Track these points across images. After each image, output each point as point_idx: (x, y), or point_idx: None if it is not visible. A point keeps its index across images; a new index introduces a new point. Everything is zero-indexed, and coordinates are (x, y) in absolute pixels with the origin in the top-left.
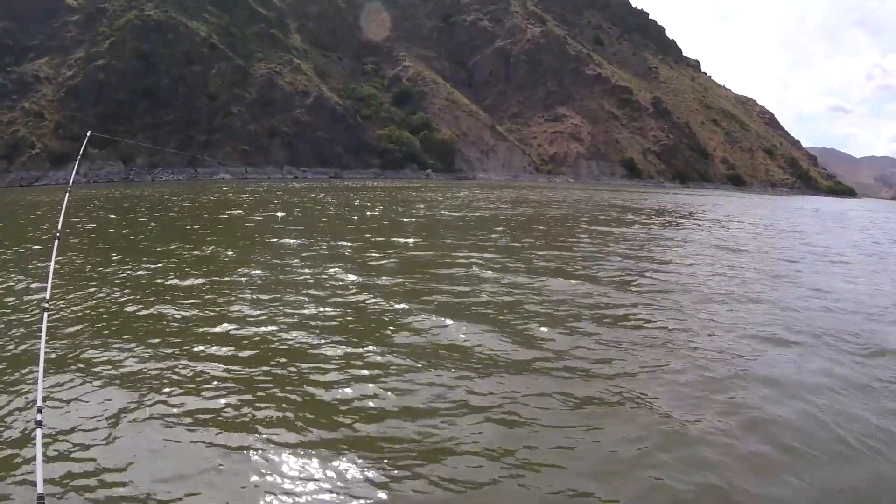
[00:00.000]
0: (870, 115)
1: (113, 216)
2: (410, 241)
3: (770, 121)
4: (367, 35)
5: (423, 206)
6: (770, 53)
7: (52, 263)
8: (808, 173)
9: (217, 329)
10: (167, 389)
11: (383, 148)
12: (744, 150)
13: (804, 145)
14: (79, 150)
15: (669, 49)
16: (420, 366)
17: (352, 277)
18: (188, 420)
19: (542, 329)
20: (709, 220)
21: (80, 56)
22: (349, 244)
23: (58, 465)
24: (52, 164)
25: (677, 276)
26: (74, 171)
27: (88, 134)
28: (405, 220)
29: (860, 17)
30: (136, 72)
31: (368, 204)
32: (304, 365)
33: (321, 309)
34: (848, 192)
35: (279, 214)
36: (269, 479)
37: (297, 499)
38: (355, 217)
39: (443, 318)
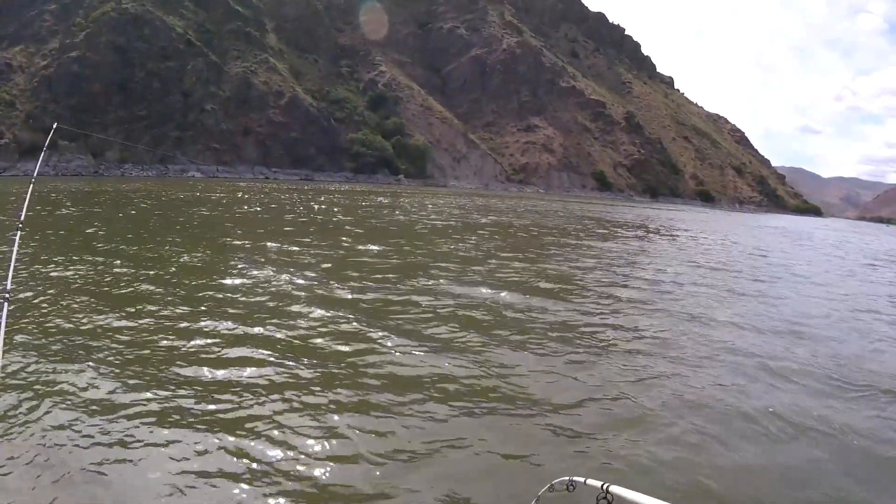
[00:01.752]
0: (838, 135)
1: (76, 210)
2: (375, 247)
3: (741, 139)
4: (345, 39)
5: (397, 213)
6: (742, 71)
7: (14, 254)
8: (776, 191)
9: (161, 339)
10: (113, 398)
11: (356, 151)
12: (714, 166)
13: (774, 164)
14: (50, 141)
15: (644, 65)
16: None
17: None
18: (144, 433)
19: (501, 350)
20: (680, 236)
21: (54, 47)
22: (309, 250)
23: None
24: (22, 155)
25: (645, 292)
26: (39, 164)
27: (55, 126)
28: (375, 223)
29: (831, 37)
30: (110, 65)
31: (336, 210)
32: (251, 388)
33: (271, 326)
34: (814, 211)
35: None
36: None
37: None
38: (320, 219)
39: (403, 338)
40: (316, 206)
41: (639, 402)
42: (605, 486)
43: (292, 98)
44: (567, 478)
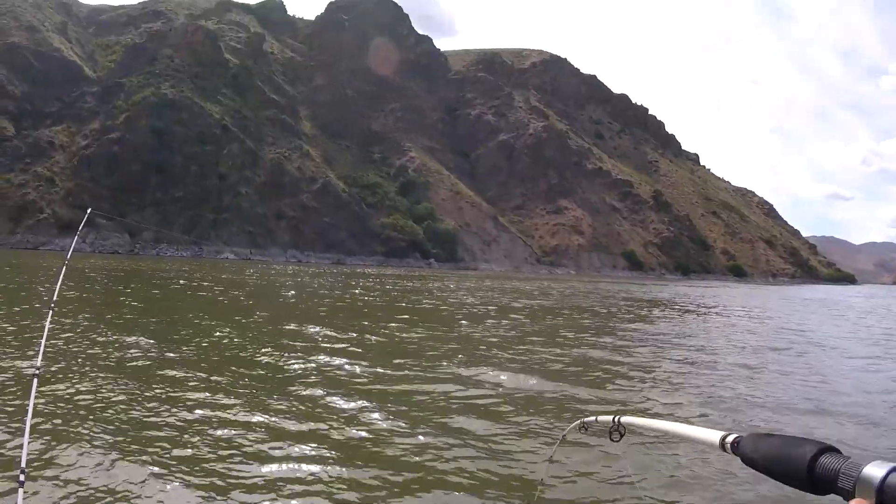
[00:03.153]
0: (867, 199)
1: (115, 288)
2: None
3: (769, 211)
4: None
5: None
6: (764, 140)
7: (46, 332)
8: (809, 262)
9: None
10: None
11: (387, 235)
12: (744, 240)
13: (803, 233)
14: (87, 219)
15: (669, 143)
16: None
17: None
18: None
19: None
20: (733, 314)
21: (95, 127)
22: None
23: None
24: (59, 231)
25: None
26: (73, 246)
27: (89, 211)
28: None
29: (851, 100)
30: (149, 147)
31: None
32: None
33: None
34: (848, 279)
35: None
36: None
37: None
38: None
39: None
40: (358, 291)
41: None
42: (616, 419)
43: (325, 183)
44: (579, 421)
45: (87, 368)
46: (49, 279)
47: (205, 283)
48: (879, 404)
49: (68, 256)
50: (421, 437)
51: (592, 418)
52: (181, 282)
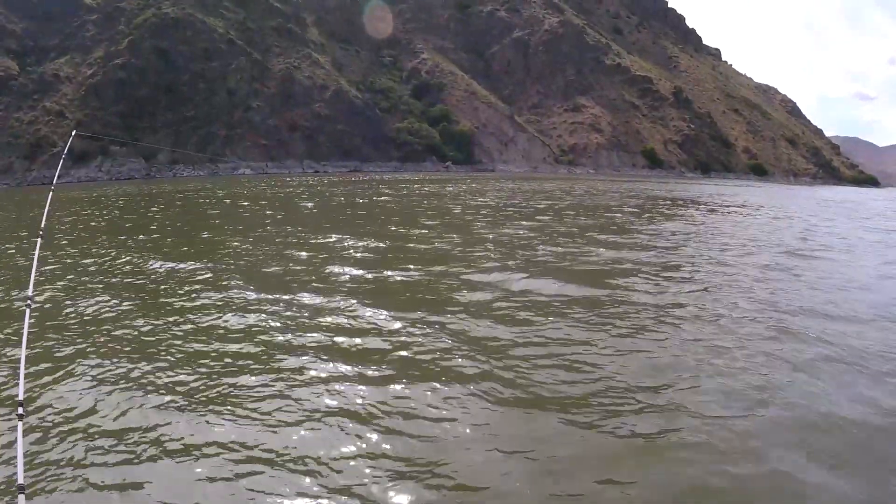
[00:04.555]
0: (893, 101)
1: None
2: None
3: (792, 109)
4: (380, 30)
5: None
6: (791, 37)
7: (35, 261)
8: (832, 163)
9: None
10: (147, 387)
11: (403, 140)
12: (766, 139)
13: (827, 134)
14: (101, 147)
15: (689, 37)
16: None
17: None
18: (174, 426)
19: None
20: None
21: (99, 55)
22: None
23: (38, 458)
24: (74, 163)
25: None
26: (58, 172)
27: (73, 133)
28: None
29: None
30: (155, 69)
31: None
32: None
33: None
34: (871, 182)
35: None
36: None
37: None
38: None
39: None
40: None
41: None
42: None
43: (336, 91)
44: None
45: (90, 296)
46: (58, 210)
47: (226, 201)
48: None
49: (55, 180)
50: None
51: None
52: (203, 201)
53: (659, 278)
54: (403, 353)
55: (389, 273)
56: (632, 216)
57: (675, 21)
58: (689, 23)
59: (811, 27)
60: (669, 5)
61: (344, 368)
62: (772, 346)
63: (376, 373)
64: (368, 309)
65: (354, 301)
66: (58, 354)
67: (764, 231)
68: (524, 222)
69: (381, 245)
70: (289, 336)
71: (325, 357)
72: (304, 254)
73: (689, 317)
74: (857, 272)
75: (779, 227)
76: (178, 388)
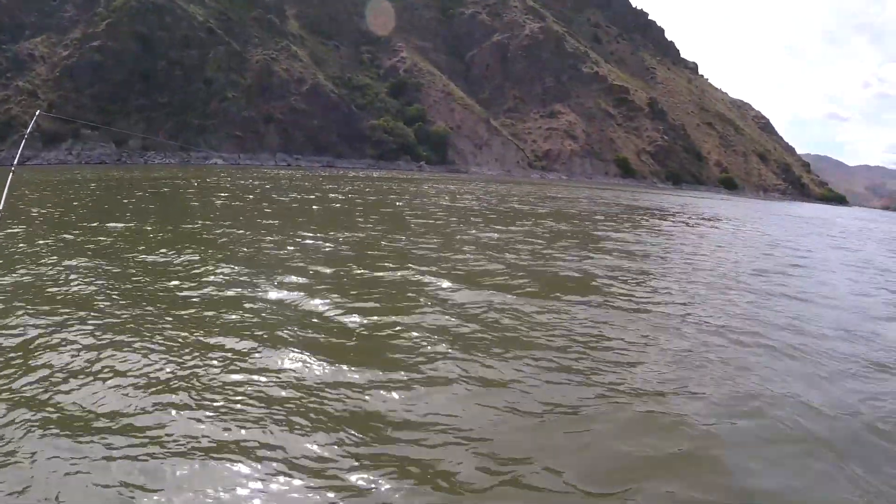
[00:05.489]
0: (865, 123)
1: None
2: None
3: (765, 126)
4: (370, 27)
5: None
6: (771, 56)
7: None
8: (801, 179)
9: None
10: (91, 372)
11: (378, 138)
12: (738, 153)
13: (799, 151)
14: (72, 130)
15: (668, 50)
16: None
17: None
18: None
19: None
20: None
21: (76, 37)
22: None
23: None
24: (45, 145)
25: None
26: (20, 152)
27: (38, 113)
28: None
29: (861, 22)
30: (132, 53)
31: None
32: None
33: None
34: (839, 200)
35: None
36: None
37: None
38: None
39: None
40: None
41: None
42: None
43: (314, 85)
44: None
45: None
46: (30, 194)
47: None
48: None
49: (16, 161)
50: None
51: None
52: (165, 189)
53: (627, 288)
54: (377, 348)
55: (358, 271)
56: (604, 224)
57: (655, 34)
58: (669, 36)
59: (792, 48)
60: (650, 17)
61: (316, 364)
62: (734, 354)
63: (352, 369)
64: (335, 304)
65: (327, 296)
66: (7, 344)
67: (735, 244)
68: (497, 226)
69: (353, 243)
70: (256, 328)
71: (292, 350)
72: (276, 247)
73: (651, 328)
74: (823, 287)
75: (748, 240)
76: (139, 377)
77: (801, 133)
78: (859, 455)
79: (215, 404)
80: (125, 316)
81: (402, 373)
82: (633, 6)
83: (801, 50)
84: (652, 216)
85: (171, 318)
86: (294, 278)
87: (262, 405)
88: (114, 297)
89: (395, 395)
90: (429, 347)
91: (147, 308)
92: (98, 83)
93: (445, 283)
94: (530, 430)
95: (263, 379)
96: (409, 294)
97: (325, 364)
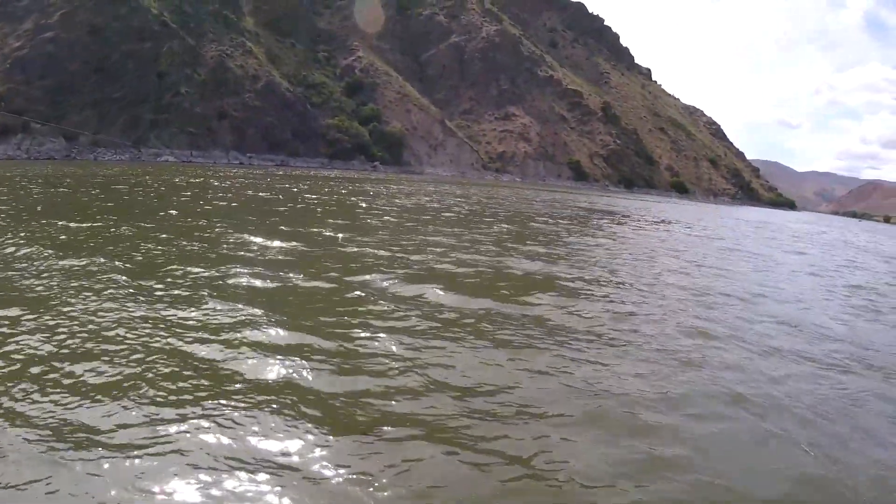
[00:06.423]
0: (815, 130)
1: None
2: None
3: (716, 132)
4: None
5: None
6: (724, 63)
7: None
8: (751, 184)
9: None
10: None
11: (332, 137)
12: (689, 158)
13: (750, 157)
14: (23, 124)
15: (622, 56)
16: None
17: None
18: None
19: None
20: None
21: (28, 27)
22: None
23: None
24: None
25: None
26: None
27: None
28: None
29: (813, 30)
30: (86, 45)
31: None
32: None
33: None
34: (788, 205)
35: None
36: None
37: None
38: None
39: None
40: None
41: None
42: None
43: (269, 82)
44: None
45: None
46: None
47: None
48: None
49: None
50: None
51: None
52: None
53: (580, 292)
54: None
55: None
56: (558, 227)
57: (610, 39)
58: (623, 42)
59: (744, 55)
60: (605, 23)
61: (288, 367)
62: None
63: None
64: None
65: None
66: None
67: (685, 247)
68: (448, 229)
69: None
70: (223, 330)
71: (261, 353)
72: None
73: (601, 334)
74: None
75: (698, 244)
76: (96, 382)
77: (752, 139)
78: (848, 453)
79: (187, 409)
80: (85, 316)
81: (369, 377)
82: (590, 11)
83: (753, 57)
84: (609, 219)
85: (139, 319)
86: (261, 271)
87: (234, 409)
88: (71, 295)
89: (368, 399)
90: (394, 348)
91: (111, 308)
92: (50, 75)
93: (406, 284)
94: (500, 433)
95: (235, 384)
96: (365, 295)
97: (303, 367)
